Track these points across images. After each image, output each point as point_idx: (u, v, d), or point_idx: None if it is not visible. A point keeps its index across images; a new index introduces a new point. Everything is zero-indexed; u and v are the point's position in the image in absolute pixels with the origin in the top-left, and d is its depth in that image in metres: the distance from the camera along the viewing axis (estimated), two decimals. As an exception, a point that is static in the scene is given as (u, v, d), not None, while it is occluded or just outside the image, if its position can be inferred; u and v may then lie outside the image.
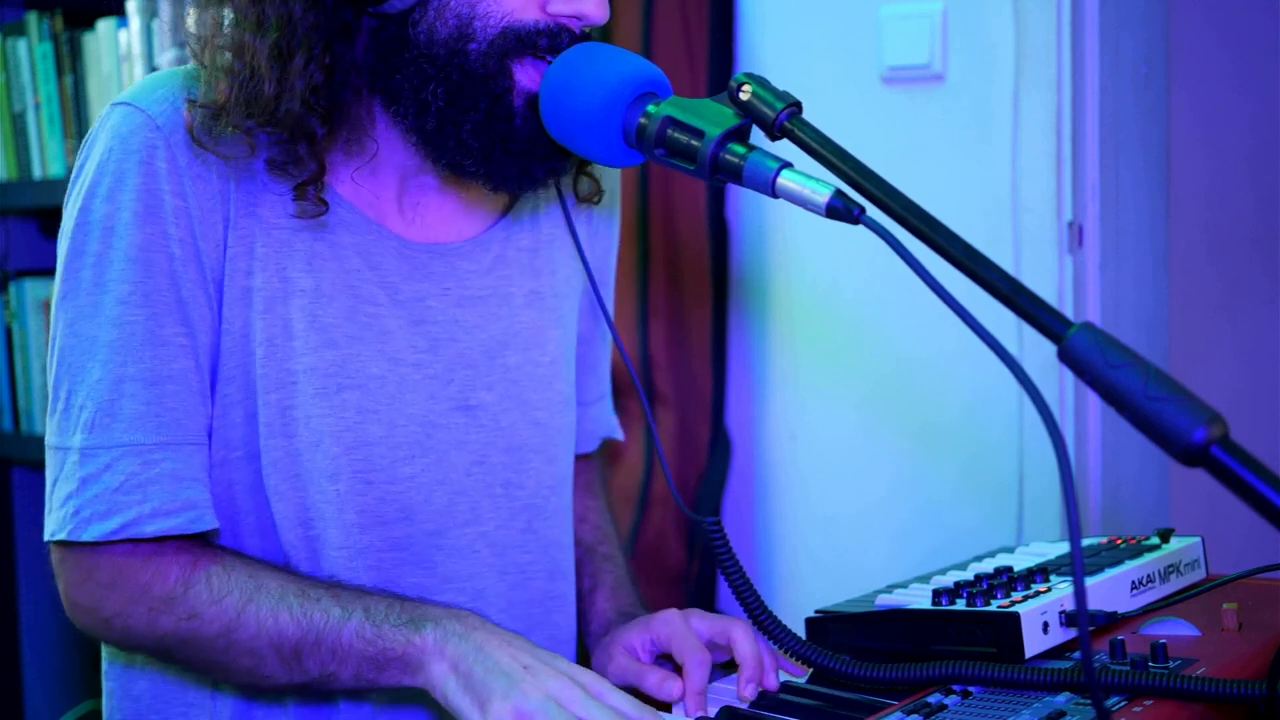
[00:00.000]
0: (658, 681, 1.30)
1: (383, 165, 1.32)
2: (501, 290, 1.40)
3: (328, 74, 1.23)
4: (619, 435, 1.63)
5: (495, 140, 1.24)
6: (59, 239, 1.28)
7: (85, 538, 1.22)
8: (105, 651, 1.38)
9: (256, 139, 1.24)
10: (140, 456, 1.23)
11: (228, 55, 1.22)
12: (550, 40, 1.22)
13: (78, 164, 1.28)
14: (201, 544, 1.26)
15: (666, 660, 1.37)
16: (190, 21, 1.28)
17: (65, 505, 1.23)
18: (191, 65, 1.29)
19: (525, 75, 1.23)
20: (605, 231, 1.55)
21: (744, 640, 1.31)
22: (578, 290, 1.50)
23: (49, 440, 1.26)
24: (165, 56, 2.55)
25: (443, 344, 1.36)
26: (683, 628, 1.34)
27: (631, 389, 2.29)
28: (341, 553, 1.30)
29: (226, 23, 1.24)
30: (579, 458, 1.59)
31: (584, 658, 1.49)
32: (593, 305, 1.53)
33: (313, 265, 1.29)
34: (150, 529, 1.22)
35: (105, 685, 1.38)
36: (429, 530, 1.35)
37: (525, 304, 1.42)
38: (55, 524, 1.24)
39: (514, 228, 1.43)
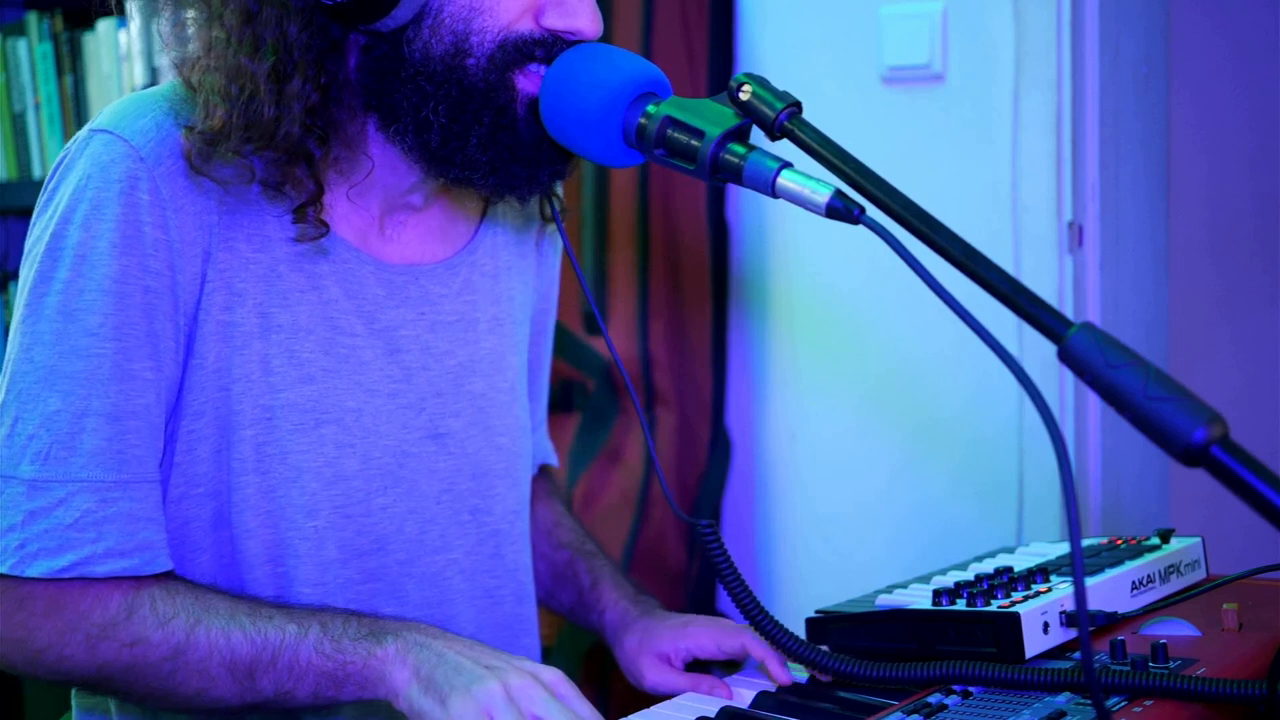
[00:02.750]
0: (708, 690, 1.35)
1: (371, 185, 1.30)
2: (468, 315, 1.40)
3: (323, 93, 1.21)
4: (554, 461, 1.66)
5: (502, 150, 1.23)
6: (24, 262, 1.23)
7: (30, 573, 1.17)
8: (74, 693, 1.35)
9: (254, 163, 1.21)
10: (98, 494, 1.18)
11: (221, 78, 1.19)
12: (547, 50, 1.21)
13: (49, 188, 1.23)
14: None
15: (698, 668, 1.42)
16: (170, 38, 1.26)
17: (5, 537, 1.18)
18: (171, 84, 1.26)
19: (525, 82, 1.22)
20: (556, 247, 1.57)
21: (757, 644, 1.36)
22: (529, 317, 1.52)
23: None
24: (165, 57, 2.55)
25: (415, 372, 1.35)
26: (717, 634, 1.41)
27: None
28: (316, 590, 1.28)
29: (216, 43, 1.20)
30: None
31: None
32: (535, 334, 1.55)
33: (290, 299, 1.27)
34: (102, 569, 1.18)
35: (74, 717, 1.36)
36: (400, 560, 1.34)
37: (488, 330, 1.42)
38: None
39: (479, 252, 1.43)
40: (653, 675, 1.42)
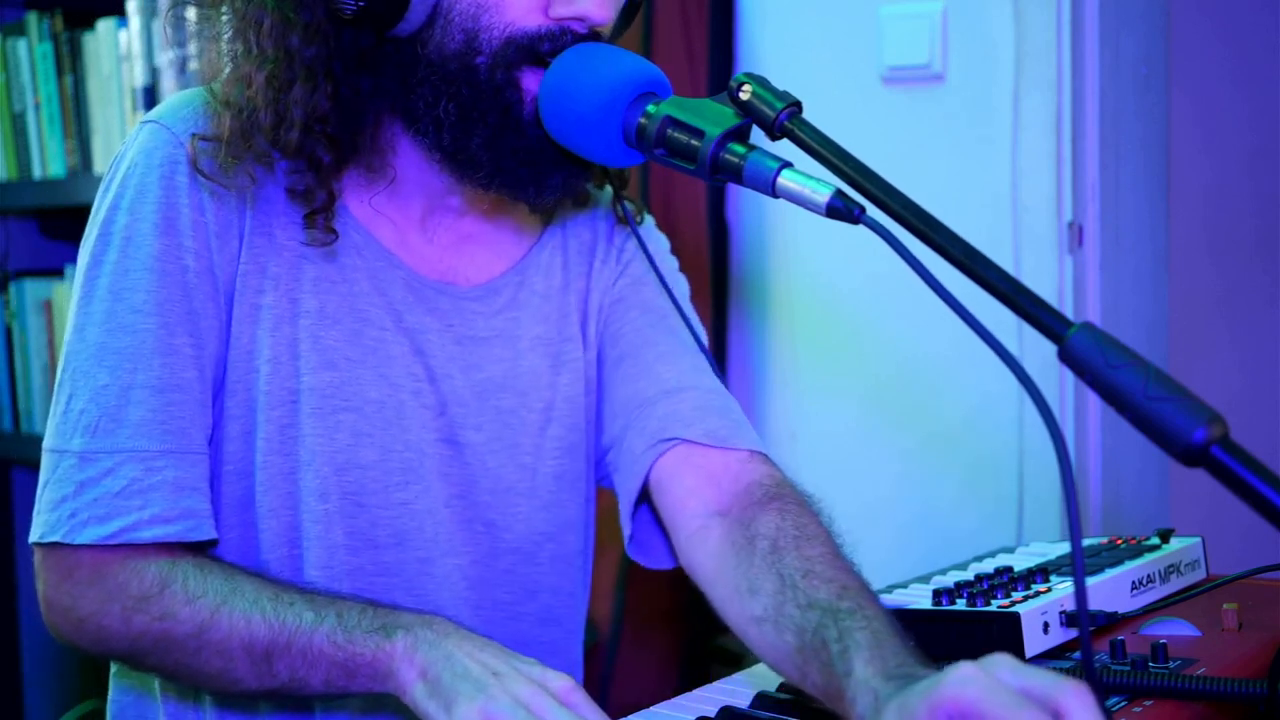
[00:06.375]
0: None
1: (406, 189, 1.33)
2: (508, 333, 1.40)
3: (334, 101, 1.25)
4: (757, 444, 1.36)
5: (504, 153, 1.24)
6: (81, 249, 1.29)
7: (79, 540, 1.21)
8: (113, 666, 1.38)
9: (272, 168, 1.26)
10: (144, 463, 1.22)
11: (231, 88, 1.25)
12: (552, 43, 1.21)
13: (105, 179, 1.30)
14: (181, 545, 1.25)
15: None
16: (207, 55, 1.32)
17: (59, 508, 1.23)
18: (215, 85, 1.30)
19: (533, 81, 1.23)
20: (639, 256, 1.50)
21: (1079, 711, 0.87)
22: (590, 324, 1.46)
23: (46, 443, 1.26)
24: (165, 56, 2.55)
25: (440, 378, 1.35)
26: (990, 684, 0.90)
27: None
28: (323, 574, 1.29)
29: (237, 55, 1.26)
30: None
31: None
32: (616, 335, 1.43)
33: (319, 287, 1.30)
34: (148, 535, 1.22)
35: (110, 699, 1.39)
36: (421, 557, 1.34)
37: (530, 348, 1.41)
38: (46, 526, 1.24)
39: (531, 271, 1.42)
40: None
